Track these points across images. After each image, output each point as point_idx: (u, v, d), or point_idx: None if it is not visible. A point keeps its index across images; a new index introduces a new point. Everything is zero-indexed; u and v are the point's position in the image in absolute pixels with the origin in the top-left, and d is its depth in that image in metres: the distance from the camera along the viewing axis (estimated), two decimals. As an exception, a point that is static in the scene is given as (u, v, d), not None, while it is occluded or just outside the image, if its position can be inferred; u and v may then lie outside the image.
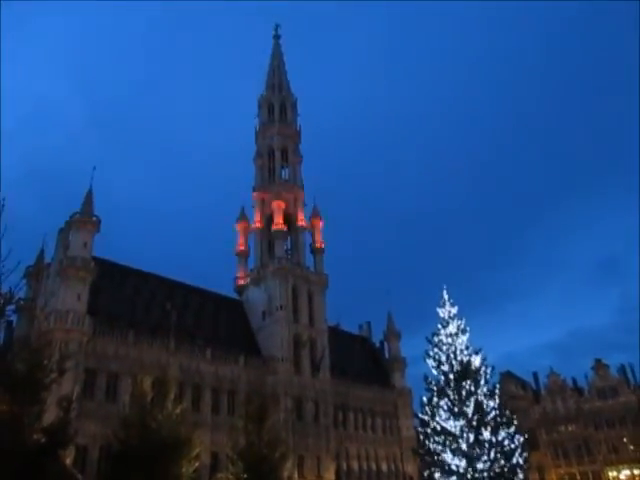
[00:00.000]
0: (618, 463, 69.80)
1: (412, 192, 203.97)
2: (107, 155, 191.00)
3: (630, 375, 73.14)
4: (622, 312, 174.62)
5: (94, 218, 47.06)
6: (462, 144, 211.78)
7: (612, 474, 70.13)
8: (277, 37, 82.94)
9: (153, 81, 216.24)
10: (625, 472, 69.29)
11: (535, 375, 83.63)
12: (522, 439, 34.89)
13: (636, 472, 68.35)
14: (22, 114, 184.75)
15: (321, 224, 70.25)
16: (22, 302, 43.61)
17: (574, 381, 78.53)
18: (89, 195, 47.88)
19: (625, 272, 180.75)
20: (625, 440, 70.03)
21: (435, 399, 35.46)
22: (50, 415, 24.07)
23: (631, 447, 68.86)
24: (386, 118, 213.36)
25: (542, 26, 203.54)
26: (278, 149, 71.74)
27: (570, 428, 74.75)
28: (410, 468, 64.93)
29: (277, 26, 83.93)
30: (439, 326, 37.50)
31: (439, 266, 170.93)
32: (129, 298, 50.60)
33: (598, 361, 75.01)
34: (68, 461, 34.03)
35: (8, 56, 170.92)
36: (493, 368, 36.94)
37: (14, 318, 42.67)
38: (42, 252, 51.39)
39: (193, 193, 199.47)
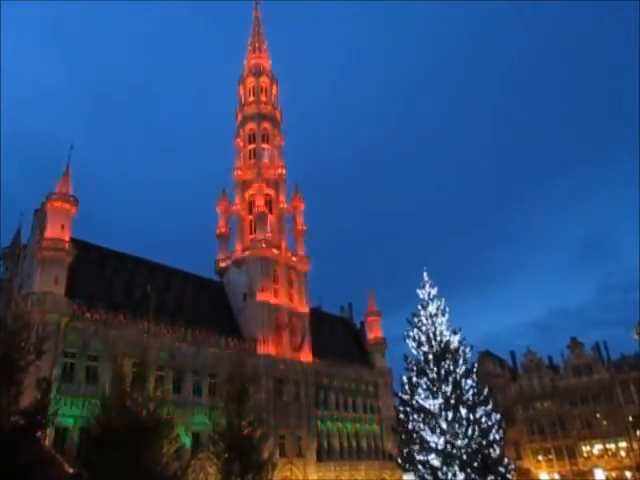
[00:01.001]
0: (591, 438, 71.87)
1: (394, 172, 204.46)
2: (91, 131, 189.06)
3: (604, 352, 74.92)
4: (602, 291, 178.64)
5: (71, 198, 46.23)
6: (443, 120, 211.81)
7: (585, 449, 72.22)
8: (257, 15, 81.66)
9: (140, 59, 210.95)
10: (598, 447, 71.40)
11: (512, 354, 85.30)
12: (499, 416, 35.57)
13: (608, 446, 70.47)
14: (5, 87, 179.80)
15: (303, 206, 70.10)
16: (-2, 284, 42.98)
17: (550, 359, 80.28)
18: (66, 174, 46.97)
19: (606, 251, 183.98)
20: (598, 416, 72.04)
21: (415, 378, 35.90)
22: (28, 397, 23.88)
23: (604, 422, 70.89)
24: (371, 97, 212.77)
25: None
26: (259, 130, 71.06)
27: (545, 405, 76.59)
28: (390, 445, 66.11)
29: (257, 2, 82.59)
30: (419, 307, 37.82)
31: (420, 247, 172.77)
32: (108, 280, 50.07)
33: (573, 339, 76.66)
34: (47, 443, 33.95)
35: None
36: (472, 347, 37.44)
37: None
38: (19, 233, 50.44)
39: (175, 173, 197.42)
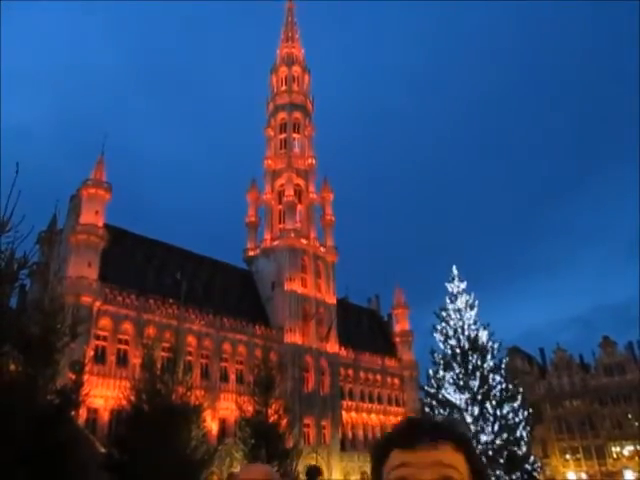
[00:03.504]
0: (622, 439, 70.35)
1: (429, 162, 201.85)
2: (137, 115, 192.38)
3: (637, 352, 73.12)
4: None
5: (105, 185, 47.18)
6: (487, 111, 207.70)
7: (615, 449, 70.78)
8: (291, 6, 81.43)
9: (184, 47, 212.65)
10: (628, 448, 69.89)
11: (542, 351, 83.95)
12: (526, 413, 35.15)
13: (639, 448, 68.98)
14: (61, 67, 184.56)
15: (332, 197, 70.06)
16: (35, 267, 44.10)
17: (581, 357, 78.70)
18: (101, 161, 47.94)
19: None
20: (629, 416, 70.47)
21: (441, 372, 35.68)
22: (63, 378, 24.58)
23: (636, 423, 69.35)
24: (403, 89, 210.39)
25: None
26: (290, 120, 71.09)
27: (575, 403, 75.22)
28: (414, 439, 65.91)
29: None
30: (447, 300, 37.51)
31: (458, 239, 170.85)
32: (140, 266, 51.02)
33: (605, 338, 74.97)
34: (80, 422, 34.89)
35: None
36: (500, 343, 37.05)
37: (27, 283, 43.23)
38: (55, 217, 51.65)
39: (211, 160, 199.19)
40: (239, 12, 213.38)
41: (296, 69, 74.68)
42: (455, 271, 38.37)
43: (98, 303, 42.99)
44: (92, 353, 40.46)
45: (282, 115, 71.62)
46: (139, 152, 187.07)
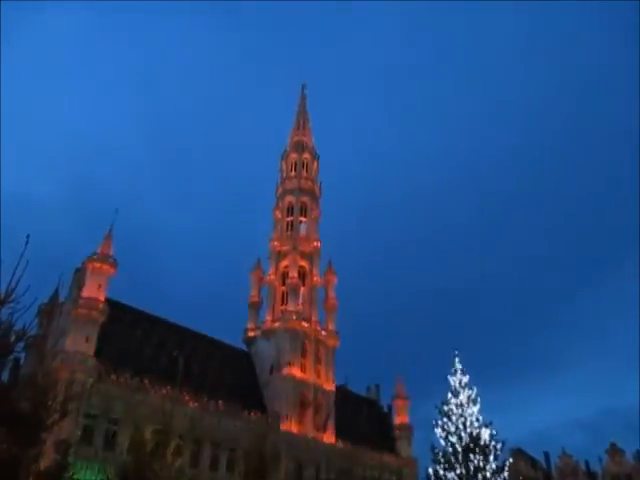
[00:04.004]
0: None
1: (432, 252, 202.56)
2: (154, 190, 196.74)
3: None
4: None
5: (111, 260, 47.53)
6: (489, 199, 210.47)
7: None
8: (304, 96, 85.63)
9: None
10: None
11: (546, 455, 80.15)
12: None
13: None
14: (76, 136, 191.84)
15: (335, 280, 70.16)
16: (31, 339, 43.56)
17: (587, 464, 75.05)
18: (108, 236, 48.57)
19: None
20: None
21: (441, 472, 34.15)
22: (47, 459, 23.59)
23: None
24: (405, 175, 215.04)
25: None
26: (297, 204, 72.68)
27: (582, 514, 70.96)
28: None
29: (304, 86, 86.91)
30: (449, 395, 36.55)
31: (455, 331, 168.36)
32: (138, 342, 50.27)
33: (612, 445, 71.85)
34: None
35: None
36: (503, 443, 35.65)
37: (22, 356, 42.53)
38: (57, 290, 51.67)
39: (210, 236, 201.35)
40: (254, 93, 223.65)
41: (306, 156, 77.27)
42: (458, 364, 37.71)
43: (91, 380, 41.95)
44: (79, 433, 39.00)
45: (290, 199, 73.31)
46: (148, 224, 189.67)
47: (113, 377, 44.06)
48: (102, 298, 45.57)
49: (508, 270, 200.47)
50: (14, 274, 16.87)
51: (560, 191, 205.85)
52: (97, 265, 46.52)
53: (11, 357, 19.05)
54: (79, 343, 42.41)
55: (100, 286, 46.00)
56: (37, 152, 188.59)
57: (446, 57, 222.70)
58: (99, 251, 47.31)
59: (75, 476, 26.72)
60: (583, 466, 74.67)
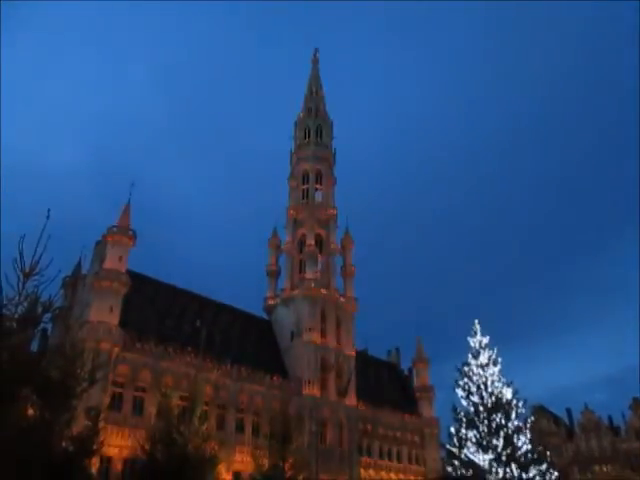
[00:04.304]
0: (655, 508, 66.45)
1: (453, 212, 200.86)
2: (173, 163, 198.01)
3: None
4: None
5: (130, 232, 48.00)
6: (511, 162, 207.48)
7: (649, 519, 66.79)
8: (316, 61, 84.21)
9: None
10: (663, 518, 65.92)
11: (569, 411, 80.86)
12: (554, 477, 33.59)
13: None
14: (98, 111, 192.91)
15: (352, 247, 70.16)
16: (57, 311, 44.47)
17: (610, 419, 75.47)
18: (127, 209, 48.96)
19: None
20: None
21: (463, 431, 34.49)
22: (78, 425, 24.36)
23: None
24: (423, 135, 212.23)
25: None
26: (312, 171, 72.28)
27: (605, 469, 71.72)
28: (435, 500, 63.22)
29: (316, 50, 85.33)
30: (469, 356, 36.65)
31: (484, 293, 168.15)
32: (160, 313, 51.15)
33: (636, 399, 71.98)
34: (93, 471, 34.29)
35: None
36: (525, 401, 35.85)
37: (49, 327, 43.63)
38: (79, 263, 52.50)
39: (228, 207, 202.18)
40: (272, 60, 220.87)
41: (319, 122, 76.46)
42: (477, 325, 37.71)
43: (117, 349, 42.94)
44: (108, 400, 40.14)
45: (305, 166, 72.89)
46: (166, 197, 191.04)
47: (138, 346, 45.04)
48: (123, 269, 46.21)
49: (531, 231, 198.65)
50: (37, 247, 17.09)
51: (561, 158, 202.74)
52: (117, 237, 47.04)
53: (39, 328, 19.47)
54: (103, 314, 43.24)
55: (121, 258, 46.59)
56: (58, 124, 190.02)
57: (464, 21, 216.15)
58: (118, 223, 47.78)
59: (107, 440, 27.60)
60: (606, 421, 75.15)
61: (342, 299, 65.24)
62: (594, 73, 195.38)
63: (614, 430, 73.65)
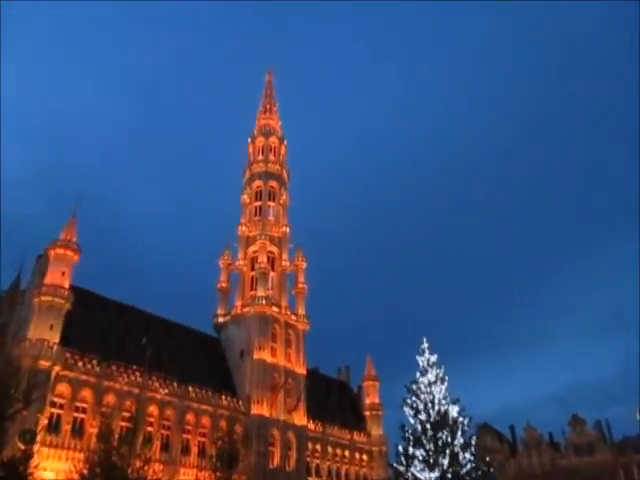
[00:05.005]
0: (594, 523, 68.43)
1: (401, 229, 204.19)
2: (130, 172, 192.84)
3: (606, 431, 72.47)
4: (624, 366, 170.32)
5: (75, 246, 46.45)
6: (458, 180, 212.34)
7: (588, 535, 68.68)
8: (270, 79, 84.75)
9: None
10: (601, 533, 67.91)
11: (512, 428, 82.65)
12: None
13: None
14: (49, 115, 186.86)
15: (304, 265, 70.13)
16: (-7, 328, 42.36)
17: (550, 436, 77.64)
18: (72, 222, 47.43)
19: (630, 327, 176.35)
20: (601, 500, 68.91)
21: (411, 449, 34.71)
22: (11, 448, 23.11)
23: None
24: (376, 157, 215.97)
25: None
26: (266, 188, 72.20)
27: (546, 485, 73.38)
28: (383, 521, 63.11)
29: (270, 70, 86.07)
30: (417, 374, 37.10)
31: (426, 311, 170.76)
32: (104, 330, 49.40)
33: (574, 416, 74.31)
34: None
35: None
36: (470, 419, 36.46)
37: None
38: (19, 277, 50.25)
39: (179, 222, 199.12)
40: (227, 74, 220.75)
41: (273, 140, 76.74)
42: (425, 344, 38.27)
43: (57, 368, 41.12)
44: (46, 422, 38.27)
45: (258, 183, 72.77)
46: (116, 209, 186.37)
47: (80, 364, 43.33)
48: (66, 285, 44.56)
49: (476, 248, 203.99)
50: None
51: (548, 160, 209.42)
52: (60, 251, 45.42)
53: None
54: (43, 331, 41.46)
55: (64, 273, 44.96)
56: (7, 131, 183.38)
57: (422, 42, 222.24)
58: (62, 237, 46.16)
59: (42, 464, 26.26)
60: (547, 438, 77.23)
61: (293, 317, 64.99)
62: (593, 72, 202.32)
63: (554, 446, 75.74)
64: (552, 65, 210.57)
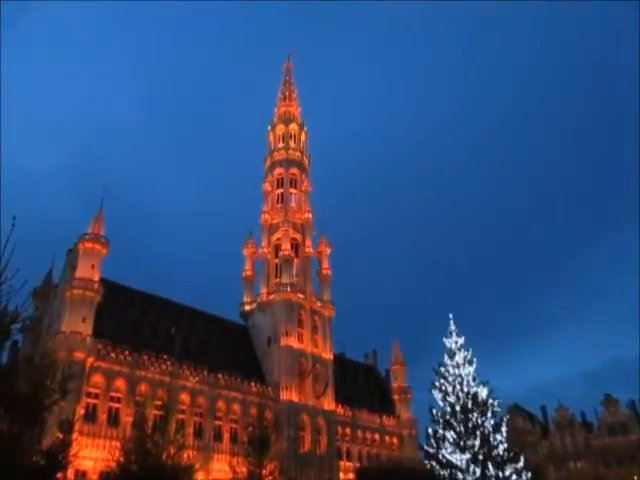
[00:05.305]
0: (629, 502, 67.74)
1: (428, 212, 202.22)
2: (147, 166, 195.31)
3: (640, 411, 71.48)
4: None
5: (102, 239, 47.26)
6: (492, 159, 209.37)
7: (623, 514, 68.04)
8: (289, 66, 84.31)
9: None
10: (637, 512, 67.23)
11: (543, 409, 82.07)
12: (530, 475, 34.03)
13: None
14: (74, 113, 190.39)
15: (328, 251, 70.22)
16: (28, 322, 43.52)
17: (583, 416, 76.83)
18: (99, 216, 48.20)
19: None
20: (636, 478, 68.09)
21: (441, 431, 34.74)
22: (51, 437, 23.86)
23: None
24: (399, 141, 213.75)
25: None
26: (287, 175, 72.25)
27: (579, 465, 72.89)
28: (415, 502, 63.45)
29: (289, 55, 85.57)
30: (445, 356, 36.99)
31: (455, 294, 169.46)
32: (135, 321, 50.43)
33: (607, 396, 73.44)
34: (67, 485, 33.57)
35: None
36: (501, 401, 36.29)
37: (19, 338, 42.69)
38: (50, 272, 51.51)
39: (203, 213, 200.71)
40: (251, 63, 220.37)
41: (293, 127, 76.59)
42: (452, 326, 38.08)
43: (91, 359, 42.18)
44: (82, 412, 39.37)
45: (279, 171, 72.83)
46: (141, 202, 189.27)
47: (112, 355, 44.33)
48: (96, 278, 45.44)
49: (509, 227, 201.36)
50: (1, 256, 16.56)
51: (561, 150, 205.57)
52: (89, 245, 46.28)
53: (8, 340, 18.99)
54: (76, 324, 42.43)
55: (93, 266, 45.84)
56: (37, 130, 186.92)
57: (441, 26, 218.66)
58: (90, 231, 47.00)
59: (80, 453, 27.05)
60: (579, 418, 76.45)
61: (319, 303, 65.25)
62: (593, 71, 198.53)
63: (587, 426, 74.98)
64: (557, 65, 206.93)
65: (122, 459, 27.06)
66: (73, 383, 29.61)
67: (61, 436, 24.31)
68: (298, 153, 74.72)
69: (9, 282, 16.83)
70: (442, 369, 36.66)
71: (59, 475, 23.92)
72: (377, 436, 66.84)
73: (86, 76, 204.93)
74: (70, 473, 34.76)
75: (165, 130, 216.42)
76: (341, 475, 58.71)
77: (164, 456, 26.78)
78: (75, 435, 27.49)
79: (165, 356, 47.22)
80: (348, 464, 61.06)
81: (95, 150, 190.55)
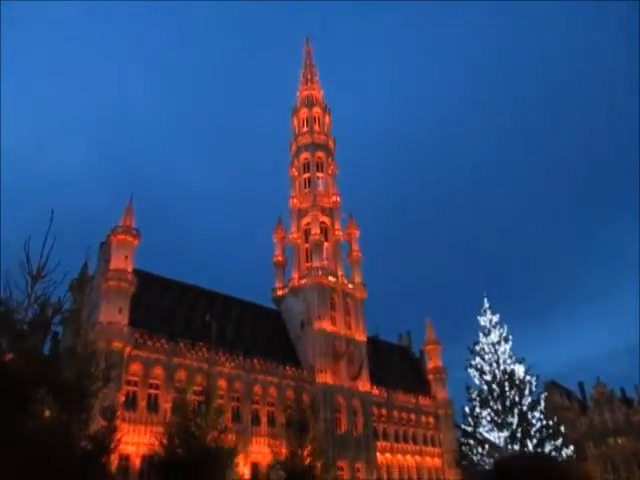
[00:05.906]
0: (672, 477, 66.61)
1: (459, 191, 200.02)
2: (178, 154, 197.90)
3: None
4: None
5: (134, 231, 48.04)
6: (524, 138, 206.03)
7: (666, 489, 66.97)
8: (309, 49, 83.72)
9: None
10: (680, 487, 66.10)
11: (581, 385, 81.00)
12: (570, 452, 33.68)
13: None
14: (101, 108, 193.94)
15: (358, 233, 70.04)
16: (67, 314, 44.58)
17: (622, 391, 75.48)
18: (130, 208, 48.97)
19: None
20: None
21: (477, 409, 34.56)
22: (95, 424, 24.58)
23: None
24: (428, 118, 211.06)
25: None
26: (313, 159, 72.03)
27: (619, 441, 71.84)
28: (453, 480, 63.68)
29: (308, 39, 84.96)
30: (480, 335, 36.65)
31: (494, 267, 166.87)
32: (169, 309, 51.34)
33: (648, 371, 71.98)
34: (112, 469, 34.61)
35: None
36: (538, 377, 35.87)
37: (59, 330, 43.77)
38: (86, 265, 52.52)
39: (232, 201, 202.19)
40: (270, 51, 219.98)
41: (316, 110, 76.12)
42: (487, 304, 37.64)
43: (129, 348, 43.17)
44: (123, 399, 40.42)
45: (305, 155, 72.61)
46: (170, 193, 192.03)
47: (149, 344, 45.26)
48: (130, 269, 46.32)
49: (544, 203, 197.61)
50: (43, 250, 16.99)
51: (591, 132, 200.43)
52: (121, 237, 47.13)
53: (50, 331, 19.53)
54: (112, 314, 43.43)
55: (127, 257, 46.70)
56: (61, 124, 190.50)
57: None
58: (121, 223, 47.82)
59: (123, 438, 27.83)
60: (619, 394, 75.15)
61: (350, 286, 65.29)
62: (593, 68, 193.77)
63: (627, 402, 73.70)
64: (557, 59, 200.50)
65: (166, 442, 27.71)
66: (114, 371, 30.42)
67: (105, 422, 25.04)
68: (323, 136, 74.33)
69: (50, 275, 17.24)
70: (477, 347, 36.38)
71: (104, 459, 24.69)
72: (413, 416, 66.99)
73: (112, 72, 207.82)
74: (114, 458, 35.88)
75: (194, 121, 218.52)
76: (378, 455, 59.15)
77: (207, 439, 27.32)
78: (117, 421, 28.26)
79: (201, 343, 48.02)
80: (385, 444, 61.44)
81: (124, 144, 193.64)
